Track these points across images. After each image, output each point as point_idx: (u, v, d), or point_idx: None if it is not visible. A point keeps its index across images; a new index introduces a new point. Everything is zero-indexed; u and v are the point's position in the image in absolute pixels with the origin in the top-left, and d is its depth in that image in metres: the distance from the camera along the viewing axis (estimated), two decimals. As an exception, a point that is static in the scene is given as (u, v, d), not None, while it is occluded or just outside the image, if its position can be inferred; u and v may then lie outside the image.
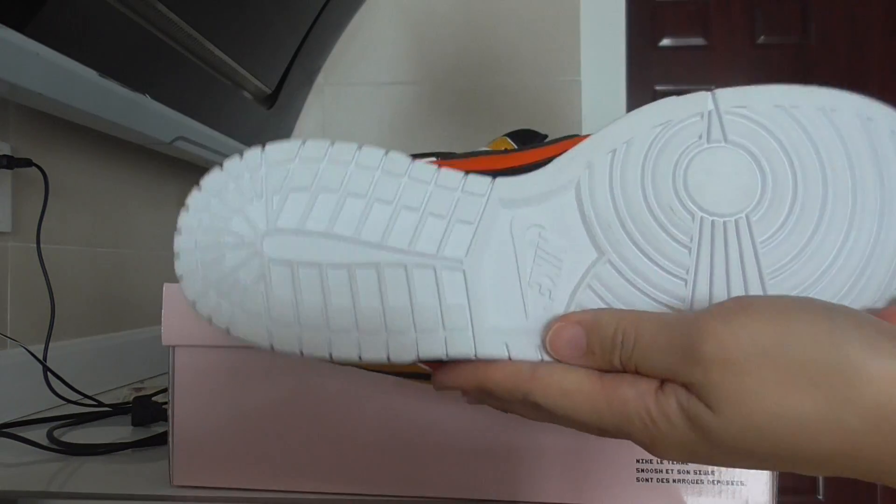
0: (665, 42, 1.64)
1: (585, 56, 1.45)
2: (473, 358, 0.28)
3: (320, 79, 1.49)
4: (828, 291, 0.28)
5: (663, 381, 0.26)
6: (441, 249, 0.28)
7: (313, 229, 0.28)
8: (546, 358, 0.28)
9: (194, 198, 0.29)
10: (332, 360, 0.28)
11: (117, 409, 0.69)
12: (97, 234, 0.87)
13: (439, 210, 0.28)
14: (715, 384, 0.24)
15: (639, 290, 0.28)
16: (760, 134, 0.28)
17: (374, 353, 0.28)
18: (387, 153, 0.29)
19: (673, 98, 0.29)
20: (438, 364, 0.30)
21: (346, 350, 0.28)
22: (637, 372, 0.27)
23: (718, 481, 0.42)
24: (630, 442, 0.28)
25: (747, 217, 0.28)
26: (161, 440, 0.58)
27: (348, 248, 0.28)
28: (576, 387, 0.27)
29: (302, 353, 0.28)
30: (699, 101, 0.29)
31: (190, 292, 0.28)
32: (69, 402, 0.69)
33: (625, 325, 0.27)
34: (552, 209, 0.29)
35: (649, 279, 0.28)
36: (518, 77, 1.46)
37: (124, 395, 0.76)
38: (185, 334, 0.46)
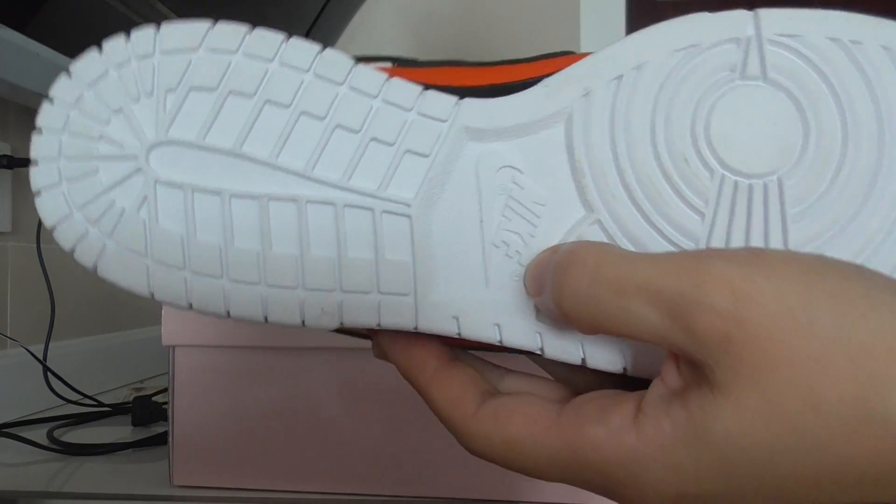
0: (665, 42, 1.64)
1: (585, 56, 1.45)
2: (413, 331, 0.23)
3: (320, 79, 1.49)
4: None
5: (640, 402, 0.20)
6: (384, 187, 0.22)
7: (218, 145, 0.22)
8: (506, 340, 0.23)
9: (60, 86, 0.22)
10: (229, 318, 0.23)
11: (117, 409, 0.69)
12: (97, 234, 0.87)
13: (385, 135, 0.22)
14: (726, 351, 0.17)
15: None
16: (809, 74, 0.22)
17: (284, 315, 0.22)
18: (322, 51, 0.22)
19: (704, 14, 0.23)
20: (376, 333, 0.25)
21: (247, 307, 0.22)
22: (578, 323, 0.20)
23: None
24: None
25: (780, 180, 0.22)
26: (161, 440, 0.58)
27: (262, 174, 0.22)
28: (523, 434, 0.20)
29: (191, 306, 0.22)
30: (737, 22, 0.23)
31: (49, 214, 0.22)
32: (69, 402, 0.69)
33: (581, 249, 0.20)
34: (533, 147, 0.23)
35: (647, 250, 0.22)
36: (518, 77, 1.46)
37: (124, 395, 0.76)
38: (185, 334, 0.46)
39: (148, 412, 0.65)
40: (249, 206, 0.22)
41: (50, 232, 0.22)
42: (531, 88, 0.23)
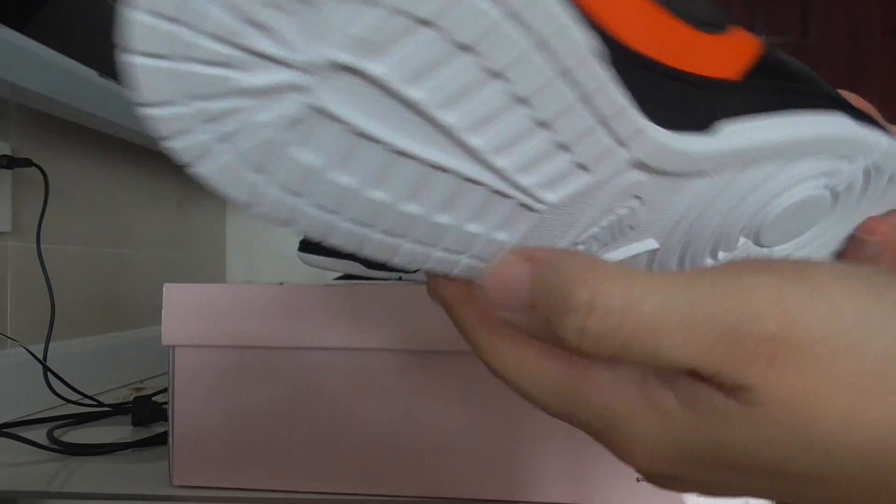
0: (665, 42, 1.64)
1: (585, 56, 1.45)
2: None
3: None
4: None
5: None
6: (539, 188, 0.20)
7: (406, 94, 0.17)
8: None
9: None
10: (321, 238, 0.21)
11: (117, 409, 0.69)
12: (97, 234, 0.87)
13: (569, 140, 0.19)
14: (763, 374, 0.17)
15: None
16: (854, 193, 0.24)
17: (375, 254, 0.21)
18: (564, 23, 0.17)
19: (876, 134, 0.23)
20: None
21: (348, 241, 0.21)
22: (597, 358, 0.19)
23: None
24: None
25: (778, 249, 0.24)
26: (161, 440, 0.58)
27: (440, 143, 0.18)
28: (536, 358, 0.20)
29: (288, 223, 0.20)
30: (872, 143, 0.23)
31: (143, 88, 0.16)
32: (69, 402, 0.69)
33: (601, 282, 0.18)
34: (669, 187, 0.21)
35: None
36: (518, 77, 1.46)
37: (124, 395, 0.76)
38: (185, 334, 0.46)
39: (148, 412, 0.65)
40: (408, 166, 0.19)
41: (145, 109, 0.17)
42: (712, 139, 0.21)
